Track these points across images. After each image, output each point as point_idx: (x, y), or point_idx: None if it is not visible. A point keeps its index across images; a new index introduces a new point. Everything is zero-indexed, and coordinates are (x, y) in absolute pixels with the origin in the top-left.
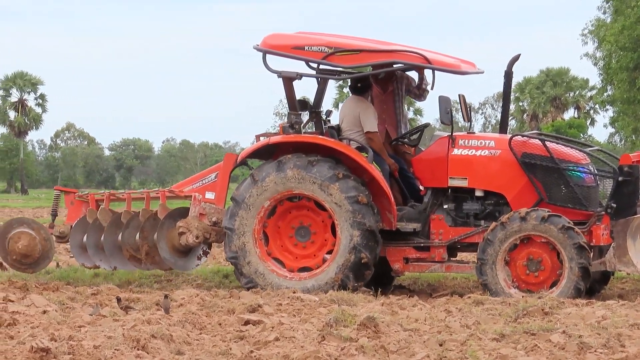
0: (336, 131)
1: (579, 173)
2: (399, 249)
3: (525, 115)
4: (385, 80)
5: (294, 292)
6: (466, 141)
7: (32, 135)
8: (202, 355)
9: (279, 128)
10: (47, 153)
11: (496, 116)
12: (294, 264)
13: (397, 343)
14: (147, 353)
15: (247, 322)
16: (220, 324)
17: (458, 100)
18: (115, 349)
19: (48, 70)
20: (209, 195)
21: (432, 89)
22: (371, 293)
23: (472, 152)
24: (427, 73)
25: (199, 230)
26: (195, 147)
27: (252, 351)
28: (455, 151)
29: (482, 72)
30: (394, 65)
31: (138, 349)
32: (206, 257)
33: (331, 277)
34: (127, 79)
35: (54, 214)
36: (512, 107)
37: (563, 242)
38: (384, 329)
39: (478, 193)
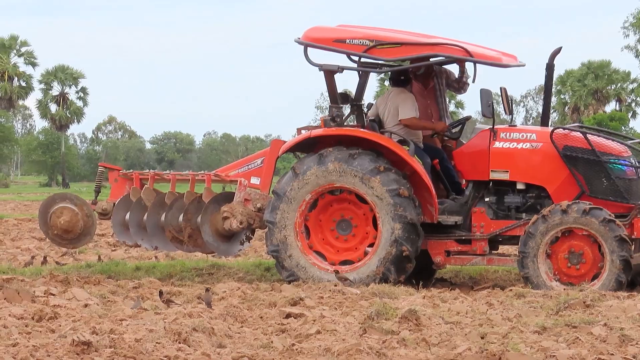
0: (377, 124)
1: (620, 166)
2: (440, 242)
3: (566, 108)
4: (425, 76)
5: (336, 285)
6: (508, 134)
7: (74, 129)
8: (244, 349)
9: (320, 121)
10: (88, 146)
11: (537, 109)
12: (335, 257)
13: (438, 336)
14: (189, 346)
15: (288, 315)
16: (261, 317)
17: (499, 93)
18: (156, 342)
19: (89, 63)
20: (254, 181)
21: (473, 82)
22: (413, 286)
23: (513, 145)
24: (468, 66)
25: (243, 216)
26: (237, 140)
27: (293, 344)
28: (497, 144)
29: (524, 65)
30: (436, 59)
31: (179, 342)
32: (249, 242)
33: (372, 270)
34: (168, 72)
35: (97, 191)
36: (553, 100)
37: (604, 234)
38: (425, 322)
39: (519, 186)
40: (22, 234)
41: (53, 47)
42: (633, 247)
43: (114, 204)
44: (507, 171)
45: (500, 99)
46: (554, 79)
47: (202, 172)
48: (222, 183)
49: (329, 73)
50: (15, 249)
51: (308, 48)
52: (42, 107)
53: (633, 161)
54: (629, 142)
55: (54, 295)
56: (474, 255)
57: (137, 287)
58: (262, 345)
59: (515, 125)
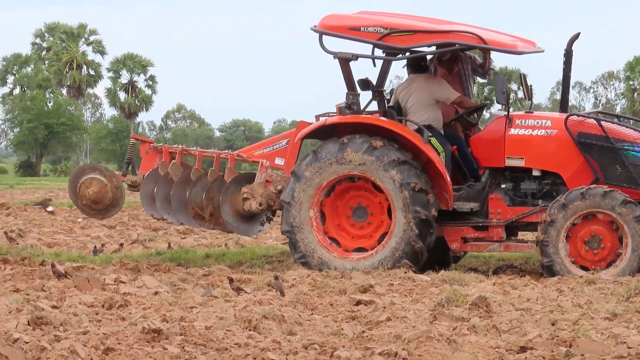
0: (396, 111)
1: (635, 152)
2: (456, 229)
3: (635, 94)
4: (450, 61)
5: (406, 272)
6: (523, 121)
7: (142, 117)
8: (314, 336)
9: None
10: (157, 134)
11: (607, 95)
12: (350, 243)
13: (508, 322)
14: (259, 334)
15: (358, 303)
16: (331, 305)
17: (521, 79)
18: (226, 330)
19: (158, 51)
20: (279, 161)
21: (490, 70)
22: (483, 273)
23: (528, 131)
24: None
25: (262, 197)
26: None
27: (363, 331)
28: (512, 131)
29: (542, 51)
30: (450, 46)
31: (250, 330)
32: (269, 223)
33: (380, 261)
34: (237, 60)
35: (128, 162)
36: (622, 85)
37: (625, 216)
38: (495, 309)
39: (535, 173)
40: (91, 222)
41: (122, 36)
42: None
43: (144, 176)
44: (523, 158)
45: (521, 85)
46: (623, 65)
47: (227, 151)
48: (245, 163)
49: (344, 61)
50: (85, 237)
51: (325, 36)
52: (111, 95)
53: None
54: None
55: (124, 283)
56: (491, 242)
57: (207, 274)
58: (332, 333)
59: (532, 112)
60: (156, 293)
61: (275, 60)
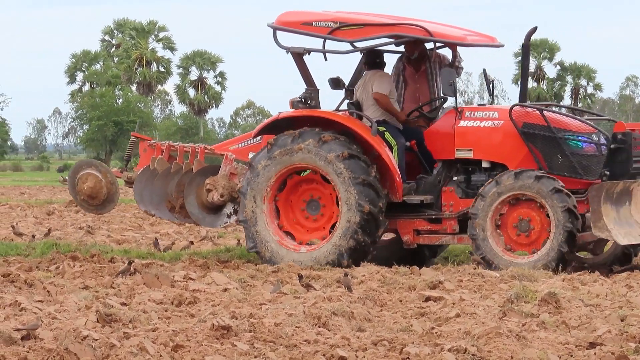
0: (356, 107)
1: (577, 142)
2: (409, 221)
3: None
4: (418, 60)
5: (475, 268)
6: (472, 113)
7: (212, 114)
8: (383, 332)
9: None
10: (226, 131)
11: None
12: (304, 237)
13: (578, 318)
14: (328, 330)
15: (427, 299)
16: (401, 301)
17: (484, 75)
18: (296, 326)
19: (227, 48)
20: (252, 156)
21: (456, 65)
22: (551, 269)
23: (476, 123)
24: (460, 50)
25: (224, 189)
26: None
27: (433, 327)
28: (462, 123)
29: (502, 46)
30: (396, 39)
31: (319, 326)
32: (236, 215)
33: (325, 255)
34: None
35: (127, 159)
36: None
37: (552, 203)
38: (565, 305)
39: (484, 164)
40: (160, 219)
41: (191, 32)
42: (581, 222)
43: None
44: (471, 150)
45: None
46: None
47: (200, 144)
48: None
49: (297, 55)
50: (155, 233)
51: (282, 32)
52: (181, 92)
53: (596, 138)
54: (586, 117)
55: (193, 279)
56: (444, 234)
57: (276, 271)
58: (401, 329)
59: (484, 105)
60: (225, 290)
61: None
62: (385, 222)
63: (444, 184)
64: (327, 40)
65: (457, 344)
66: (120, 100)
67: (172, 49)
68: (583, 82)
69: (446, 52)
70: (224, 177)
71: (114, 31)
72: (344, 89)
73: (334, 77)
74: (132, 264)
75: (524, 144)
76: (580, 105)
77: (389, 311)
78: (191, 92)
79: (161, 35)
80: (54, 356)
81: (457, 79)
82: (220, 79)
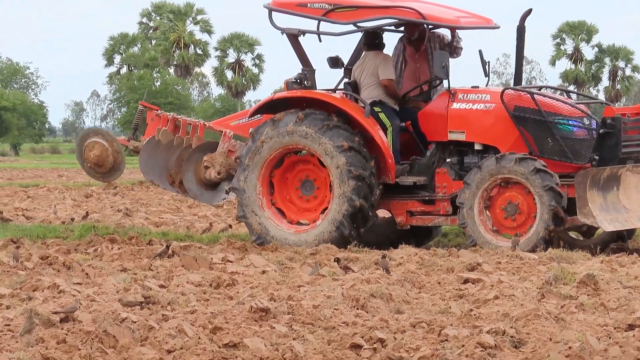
0: (352, 87)
1: (568, 126)
2: (402, 202)
3: None
4: (418, 40)
5: (513, 250)
6: (465, 95)
7: (250, 96)
8: (422, 314)
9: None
10: None
11: None
12: (295, 216)
13: (616, 300)
14: (367, 312)
15: (466, 281)
16: (439, 283)
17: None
18: (334, 309)
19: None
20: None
21: (454, 48)
22: (590, 250)
23: (469, 105)
24: (459, 30)
25: (222, 167)
26: None
27: (471, 309)
28: (455, 105)
29: (498, 27)
30: (389, 21)
31: (357, 308)
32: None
33: (326, 227)
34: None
35: (135, 128)
36: None
37: (534, 183)
38: (603, 287)
39: (477, 147)
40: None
41: (229, 15)
42: (566, 200)
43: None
44: (464, 132)
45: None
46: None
47: (199, 120)
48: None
49: (292, 37)
50: (192, 215)
51: (277, 12)
52: (218, 74)
53: (588, 122)
54: (580, 101)
55: (231, 262)
56: (437, 216)
57: (314, 253)
58: (440, 311)
59: (478, 87)
60: (264, 272)
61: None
62: (375, 217)
63: (438, 166)
64: (321, 21)
65: (496, 325)
66: (158, 82)
67: (209, 32)
68: (621, 64)
69: (446, 32)
70: (221, 154)
71: (152, 14)
72: (342, 68)
73: (333, 56)
74: (170, 247)
75: (515, 127)
76: (619, 87)
77: (427, 293)
78: (229, 74)
79: (199, 17)
80: (92, 338)
81: (449, 61)
82: (257, 61)
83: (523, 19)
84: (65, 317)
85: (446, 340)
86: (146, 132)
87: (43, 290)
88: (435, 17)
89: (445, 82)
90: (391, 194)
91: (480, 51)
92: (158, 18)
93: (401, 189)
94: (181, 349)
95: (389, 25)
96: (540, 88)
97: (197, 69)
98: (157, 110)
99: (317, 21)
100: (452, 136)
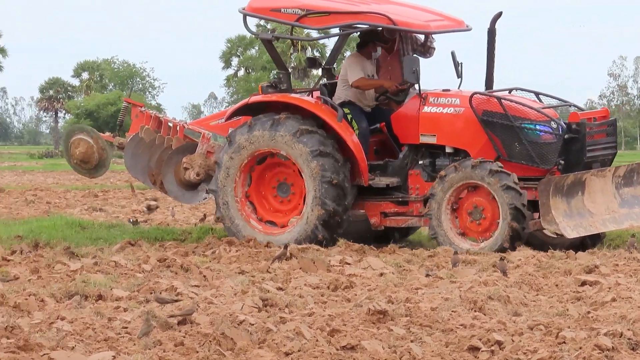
0: (328, 89)
1: (535, 131)
2: (376, 204)
3: None
4: (390, 42)
5: (631, 252)
6: (436, 99)
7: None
8: (539, 317)
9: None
10: None
11: None
12: (284, 219)
13: None
14: (484, 314)
15: (583, 283)
16: (556, 285)
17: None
18: (452, 311)
19: None
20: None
21: (426, 53)
22: None
23: (440, 109)
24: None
25: (201, 168)
26: None
27: (588, 312)
28: (426, 109)
29: (470, 30)
30: (359, 27)
31: (475, 311)
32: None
33: (299, 231)
34: None
35: (119, 124)
36: None
37: (493, 184)
38: None
39: (448, 149)
40: None
41: None
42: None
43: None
44: (435, 135)
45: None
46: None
47: (181, 121)
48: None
49: (266, 41)
50: None
51: (251, 17)
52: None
53: (555, 125)
54: (541, 105)
55: (349, 264)
56: (411, 217)
57: (432, 255)
58: (557, 313)
59: (449, 90)
60: (381, 274)
61: None
62: (349, 219)
63: (410, 167)
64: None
65: (613, 328)
66: None
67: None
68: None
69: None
70: (200, 155)
71: None
72: (320, 68)
73: (311, 57)
74: (289, 249)
75: (483, 131)
76: None
77: (544, 295)
78: None
79: None
80: (210, 341)
81: (419, 66)
82: None
83: (493, 22)
84: (183, 319)
85: (563, 342)
86: (131, 129)
87: (161, 293)
88: (406, 23)
89: (416, 86)
90: (365, 196)
91: (452, 52)
92: None
93: (375, 190)
94: (299, 351)
95: (360, 30)
96: (510, 90)
97: (314, 71)
98: (141, 107)
99: (290, 26)
100: (424, 139)
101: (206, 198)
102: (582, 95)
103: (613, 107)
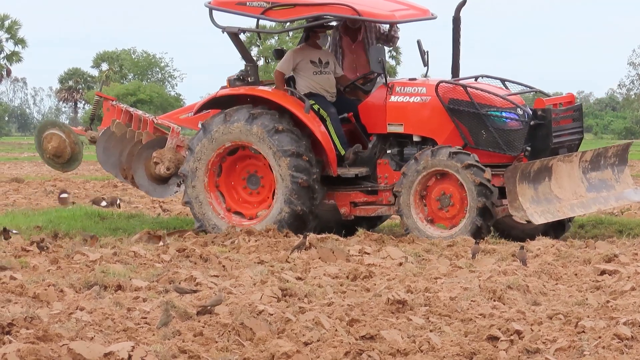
0: (292, 81)
1: (502, 118)
2: (345, 194)
3: None
4: (354, 30)
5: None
6: (402, 88)
7: None
8: (558, 306)
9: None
10: None
11: None
12: (253, 211)
13: None
14: (503, 304)
15: (602, 272)
16: (576, 274)
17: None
18: (471, 300)
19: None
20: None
21: (390, 41)
22: None
23: (406, 98)
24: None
25: (170, 162)
26: None
27: (608, 301)
28: (392, 98)
29: (435, 18)
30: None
31: (494, 300)
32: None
33: (265, 226)
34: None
35: (92, 118)
36: None
37: (465, 178)
38: None
39: (415, 138)
40: None
41: None
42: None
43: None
44: (402, 124)
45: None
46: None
47: (151, 116)
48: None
49: (233, 35)
50: None
51: (217, 11)
52: None
53: (521, 112)
54: (507, 92)
55: (368, 254)
56: (380, 206)
57: (451, 245)
58: (576, 303)
59: (415, 79)
60: (401, 264)
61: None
62: (323, 190)
63: (379, 157)
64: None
65: (633, 317)
66: None
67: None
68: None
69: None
70: (170, 149)
71: None
72: None
73: (278, 48)
74: (308, 238)
75: (450, 119)
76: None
77: (564, 285)
78: None
79: None
80: (229, 331)
81: (385, 56)
82: (395, 53)
83: (458, 10)
84: (202, 309)
85: (583, 332)
86: (102, 123)
87: (180, 283)
88: (371, 14)
89: (382, 75)
90: (335, 186)
91: (418, 41)
92: None
93: (344, 180)
94: (318, 341)
95: (326, 22)
96: (477, 78)
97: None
98: (113, 101)
99: (256, 19)
100: (391, 128)
101: (177, 191)
102: (603, 85)
103: (633, 96)
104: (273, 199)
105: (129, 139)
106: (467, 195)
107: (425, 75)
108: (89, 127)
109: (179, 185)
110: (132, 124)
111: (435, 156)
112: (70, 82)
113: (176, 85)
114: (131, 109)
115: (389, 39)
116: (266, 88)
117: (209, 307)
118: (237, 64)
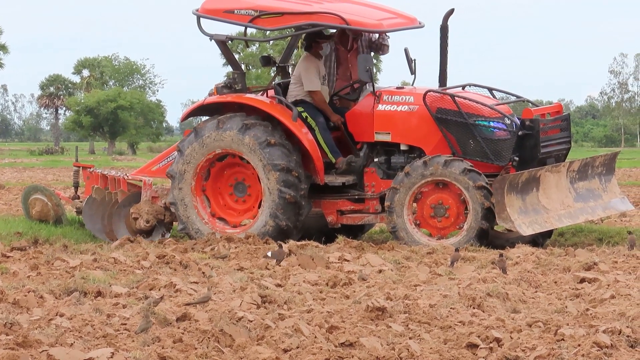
0: (282, 88)
1: (490, 127)
2: (333, 202)
3: None
4: (348, 38)
5: (630, 249)
6: (390, 97)
7: None
8: (538, 314)
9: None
10: None
11: None
12: (237, 219)
13: None
14: (483, 311)
15: (582, 280)
16: (555, 282)
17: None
18: (450, 308)
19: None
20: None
21: (380, 50)
22: None
23: (394, 107)
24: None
25: (149, 215)
26: None
27: (587, 309)
28: (380, 107)
29: (422, 26)
30: (314, 28)
31: (474, 308)
32: (169, 232)
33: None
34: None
35: (75, 187)
36: None
37: (465, 183)
38: None
39: (403, 147)
40: None
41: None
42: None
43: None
44: (389, 133)
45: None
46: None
47: (122, 174)
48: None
49: (220, 43)
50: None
51: (206, 19)
52: None
53: (509, 121)
54: (495, 101)
55: (348, 261)
56: (367, 214)
57: (430, 252)
58: (556, 310)
59: (403, 88)
60: (380, 271)
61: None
62: (310, 205)
63: (366, 165)
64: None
65: (612, 325)
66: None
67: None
68: None
69: None
70: (146, 202)
71: None
72: (275, 67)
73: (265, 55)
74: (287, 245)
75: (438, 129)
76: None
77: (543, 292)
78: None
79: None
80: (208, 337)
81: (373, 65)
82: (375, 61)
83: (446, 19)
84: (182, 316)
85: (562, 339)
86: (85, 191)
87: (160, 289)
88: (358, 22)
89: (370, 84)
90: (322, 194)
91: (406, 49)
92: None
93: (331, 188)
94: (297, 348)
95: (313, 31)
96: (464, 87)
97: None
98: (90, 169)
99: (244, 27)
100: (379, 137)
101: (164, 235)
102: (583, 92)
103: (613, 104)
104: (258, 209)
105: (108, 201)
106: (467, 213)
107: (413, 84)
108: (75, 195)
109: (163, 235)
110: (109, 187)
111: (447, 167)
112: (52, 89)
113: (157, 92)
114: (106, 172)
115: (379, 47)
116: (253, 95)
117: (196, 305)
118: (218, 70)
